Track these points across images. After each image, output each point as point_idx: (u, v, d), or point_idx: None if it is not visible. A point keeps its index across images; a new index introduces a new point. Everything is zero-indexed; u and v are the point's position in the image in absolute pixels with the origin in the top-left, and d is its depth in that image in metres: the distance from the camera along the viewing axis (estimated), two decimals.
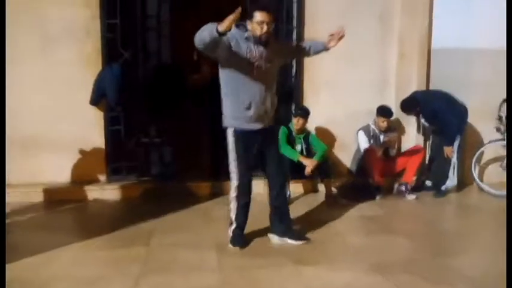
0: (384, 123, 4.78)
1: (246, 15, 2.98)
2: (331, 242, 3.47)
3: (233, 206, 3.28)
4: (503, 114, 4.89)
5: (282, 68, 3.44)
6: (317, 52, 3.37)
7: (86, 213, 4.34)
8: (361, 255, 3.20)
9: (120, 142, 4.81)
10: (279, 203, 3.39)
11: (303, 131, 4.66)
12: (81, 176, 4.72)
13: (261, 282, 2.76)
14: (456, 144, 4.78)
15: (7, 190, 3.97)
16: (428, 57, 5.07)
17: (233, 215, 3.29)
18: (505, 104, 4.87)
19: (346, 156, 5.15)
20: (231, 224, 3.31)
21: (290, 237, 3.36)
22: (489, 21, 5.00)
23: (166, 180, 4.86)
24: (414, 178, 4.89)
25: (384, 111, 4.78)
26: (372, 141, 4.80)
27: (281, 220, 3.40)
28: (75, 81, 4.59)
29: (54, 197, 4.51)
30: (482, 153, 5.13)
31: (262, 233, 3.49)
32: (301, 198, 4.71)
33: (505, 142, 4.90)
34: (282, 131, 4.51)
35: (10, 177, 4.17)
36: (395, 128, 5.03)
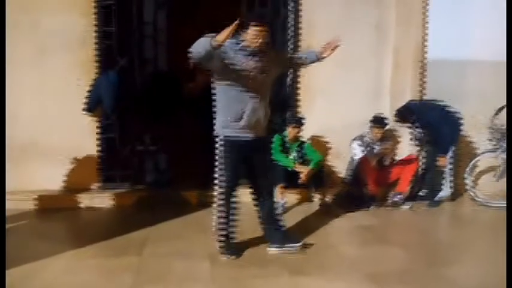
0: (378, 133, 4.79)
1: (242, 26, 2.96)
2: (326, 252, 3.45)
3: (217, 214, 3.26)
4: (497, 124, 4.92)
5: (277, 77, 3.44)
6: (311, 62, 3.38)
7: (78, 221, 4.30)
8: (356, 265, 3.19)
9: (115, 150, 4.78)
10: (269, 211, 3.38)
11: (297, 139, 4.66)
12: (74, 184, 4.68)
13: None
14: (450, 154, 4.80)
15: None
16: (423, 67, 5.11)
17: (217, 224, 3.27)
18: (498, 114, 4.90)
19: (340, 165, 5.14)
20: (216, 233, 3.28)
21: (288, 244, 3.35)
22: (483, 32, 5.05)
23: (161, 188, 4.84)
24: (408, 188, 4.89)
25: (378, 121, 4.80)
26: (366, 151, 4.81)
27: (276, 229, 3.40)
28: (70, 89, 4.57)
29: (47, 205, 4.47)
30: (476, 163, 5.15)
31: (255, 242, 3.48)
32: (296, 208, 4.69)
33: (498, 152, 4.93)
34: (276, 139, 4.51)
35: None
36: (390, 137, 5.05)
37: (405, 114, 4.80)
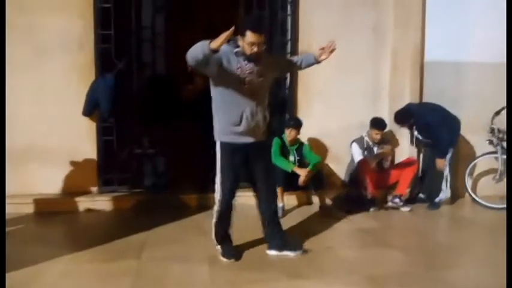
0: (377, 135, 4.78)
1: (238, 30, 2.95)
2: (326, 255, 3.44)
3: (217, 217, 3.28)
4: (496, 126, 4.91)
5: (275, 80, 3.44)
6: (308, 65, 3.39)
7: (76, 225, 4.29)
8: (356, 268, 3.18)
9: (113, 153, 4.76)
10: (271, 215, 3.38)
11: (296, 142, 4.66)
12: (73, 187, 4.67)
13: None
14: (449, 156, 4.80)
15: None
16: (421, 69, 5.11)
17: (217, 227, 3.31)
18: (497, 116, 4.90)
19: (339, 167, 5.13)
20: (216, 236, 3.31)
21: (288, 250, 3.35)
22: (481, 35, 5.04)
23: (159, 191, 4.82)
24: (408, 190, 4.88)
25: (377, 124, 4.80)
26: (365, 153, 4.81)
27: (277, 233, 3.40)
28: (68, 92, 4.56)
29: (45, 209, 4.45)
30: (475, 165, 5.14)
31: (254, 245, 3.47)
32: (295, 210, 4.68)
33: (497, 155, 4.92)
34: (276, 142, 4.50)
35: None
36: (389, 140, 5.04)
37: (404, 116, 4.80)
